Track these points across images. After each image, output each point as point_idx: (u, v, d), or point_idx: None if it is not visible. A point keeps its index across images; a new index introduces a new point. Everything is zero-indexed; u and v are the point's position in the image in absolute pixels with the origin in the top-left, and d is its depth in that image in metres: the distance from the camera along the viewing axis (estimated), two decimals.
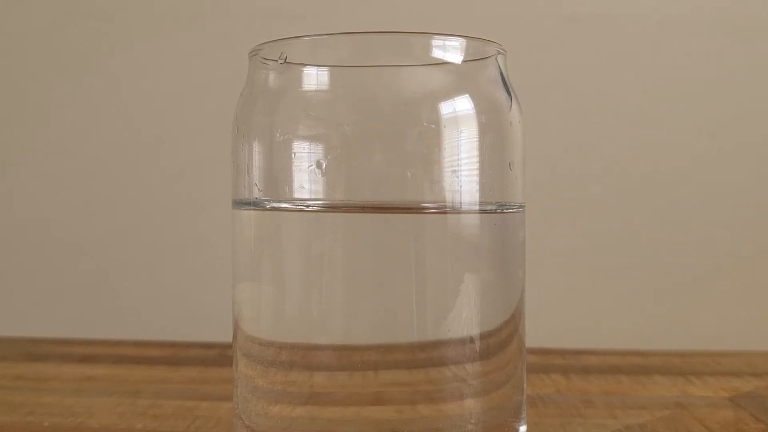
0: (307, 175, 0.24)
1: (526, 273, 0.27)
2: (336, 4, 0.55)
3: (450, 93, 0.24)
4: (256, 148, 0.25)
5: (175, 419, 0.34)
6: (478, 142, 0.24)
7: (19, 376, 0.43)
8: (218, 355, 0.48)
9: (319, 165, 0.23)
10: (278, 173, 0.25)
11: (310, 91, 0.25)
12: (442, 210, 0.24)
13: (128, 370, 0.44)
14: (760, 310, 0.54)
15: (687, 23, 0.54)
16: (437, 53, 0.25)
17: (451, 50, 0.25)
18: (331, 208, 0.24)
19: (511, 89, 0.26)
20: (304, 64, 0.25)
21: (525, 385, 0.27)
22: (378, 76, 0.24)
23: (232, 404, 0.27)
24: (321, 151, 0.24)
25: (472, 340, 0.24)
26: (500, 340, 0.25)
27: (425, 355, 0.24)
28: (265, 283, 0.25)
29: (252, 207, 0.25)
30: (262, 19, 0.56)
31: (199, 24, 0.57)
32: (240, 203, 0.26)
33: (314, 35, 0.25)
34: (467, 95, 0.24)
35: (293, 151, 0.24)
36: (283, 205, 0.25)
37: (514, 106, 0.26)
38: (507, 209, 0.26)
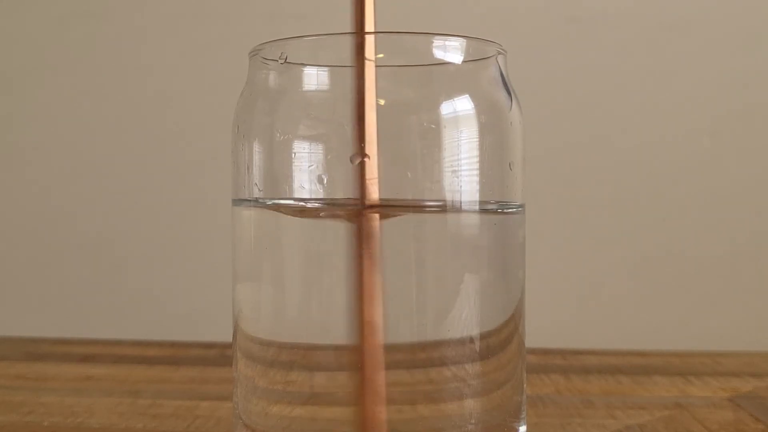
0: (307, 175, 0.24)
1: (526, 273, 0.27)
2: (336, 4, 0.55)
3: (450, 93, 0.24)
4: (256, 147, 0.25)
5: (175, 419, 0.34)
6: (478, 142, 0.24)
7: (19, 376, 0.43)
8: (218, 355, 0.48)
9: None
10: (278, 173, 0.25)
11: (310, 91, 0.25)
12: (442, 210, 0.24)
13: (128, 370, 0.44)
14: (760, 310, 0.54)
15: (687, 24, 0.54)
16: (437, 53, 0.25)
17: (451, 50, 0.25)
18: (331, 208, 0.24)
19: (511, 89, 0.26)
20: (304, 64, 0.25)
21: (525, 385, 0.27)
22: (378, 76, 0.24)
23: (232, 404, 0.27)
24: (321, 151, 0.24)
25: (472, 340, 0.24)
26: (500, 340, 0.25)
27: (425, 355, 0.24)
28: (265, 283, 0.25)
29: (252, 207, 0.25)
30: (262, 19, 0.55)
31: (199, 24, 0.57)
32: (240, 203, 0.26)
33: (314, 35, 0.25)
34: (467, 95, 0.24)
35: (293, 151, 0.24)
36: (283, 205, 0.25)
37: (514, 106, 0.26)
38: (507, 209, 0.26)
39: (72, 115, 0.58)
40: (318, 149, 0.24)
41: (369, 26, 0.24)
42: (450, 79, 0.25)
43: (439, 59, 0.25)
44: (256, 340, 0.26)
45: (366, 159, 0.23)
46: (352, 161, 0.23)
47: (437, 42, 0.24)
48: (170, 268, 0.57)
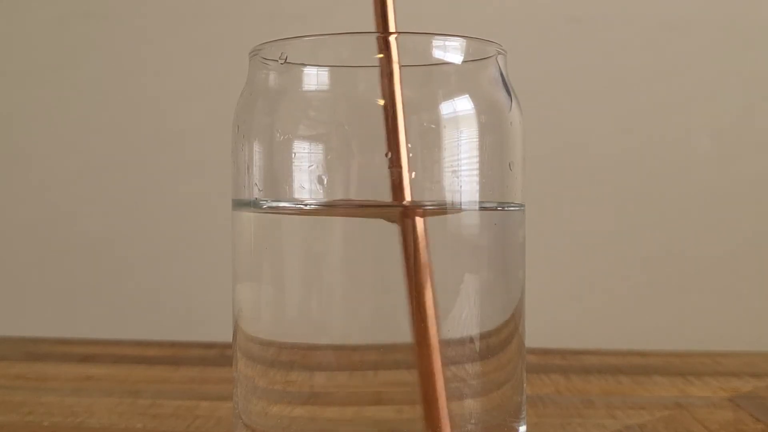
0: (307, 175, 0.24)
1: (526, 273, 0.27)
2: (336, 4, 0.55)
3: (450, 93, 0.24)
4: (256, 148, 0.25)
5: (175, 419, 0.34)
6: (478, 142, 0.24)
7: (19, 376, 0.43)
8: (218, 355, 0.48)
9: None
10: (278, 173, 0.25)
11: (310, 91, 0.25)
12: (442, 210, 0.24)
13: (128, 370, 0.44)
14: (760, 310, 0.54)
15: (687, 24, 0.54)
16: (437, 53, 0.25)
17: (451, 50, 0.25)
18: (331, 208, 0.24)
19: (511, 89, 0.26)
20: (304, 64, 0.25)
21: (525, 385, 0.27)
22: (378, 76, 0.24)
23: (232, 404, 0.27)
24: (321, 152, 0.24)
25: (472, 340, 0.24)
26: (500, 340, 0.25)
27: None
28: (265, 283, 0.25)
29: (252, 207, 0.25)
30: (262, 19, 0.55)
31: (199, 24, 0.57)
32: (240, 203, 0.26)
33: (314, 35, 0.25)
34: (467, 95, 0.24)
35: (293, 151, 0.24)
36: (283, 205, 0.25)
37: (514, 106, 0.26)
38: (507, 209, 0.26)
39: (72, 115, 0.58)
40: (318, 149, 0.24)
41: (391, 27, 0.24)
42: (450, 79, 0.25)
43: (439, 59, 0.25)
44: (256, 340, 0.26)
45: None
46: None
47: (437, 42, 0.24)
48: (170, 268, 0.57)
